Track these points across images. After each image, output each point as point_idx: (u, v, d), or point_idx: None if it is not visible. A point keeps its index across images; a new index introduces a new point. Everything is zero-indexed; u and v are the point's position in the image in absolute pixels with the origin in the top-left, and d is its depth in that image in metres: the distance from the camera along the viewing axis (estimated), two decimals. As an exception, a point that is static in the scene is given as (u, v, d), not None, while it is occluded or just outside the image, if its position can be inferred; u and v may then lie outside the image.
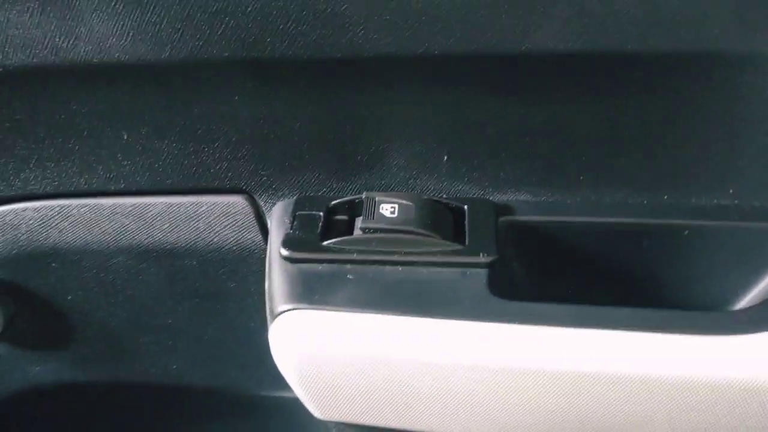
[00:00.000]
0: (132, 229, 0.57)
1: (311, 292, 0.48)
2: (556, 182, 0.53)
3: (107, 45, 0.46)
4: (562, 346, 0.45)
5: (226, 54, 0.46)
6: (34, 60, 0.47)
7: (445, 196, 0.54)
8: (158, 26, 0.46)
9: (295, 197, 0.54)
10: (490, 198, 0.54)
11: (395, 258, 0.49)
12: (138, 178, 0.55)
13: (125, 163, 0.54)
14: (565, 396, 0.45)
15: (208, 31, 0.46)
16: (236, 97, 0.50)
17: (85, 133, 0.53)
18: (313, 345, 0.46)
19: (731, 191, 0.51)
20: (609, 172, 0.52)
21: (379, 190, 0.54)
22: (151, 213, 0.56)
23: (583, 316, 0.45)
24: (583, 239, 0.53)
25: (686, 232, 0.51)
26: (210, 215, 0.56)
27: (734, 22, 0.42)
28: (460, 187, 0.54)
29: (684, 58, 0.44)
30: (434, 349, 0.46)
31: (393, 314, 0.47)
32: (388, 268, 0.49)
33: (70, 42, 0.47)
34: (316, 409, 0.50)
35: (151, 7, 0.45)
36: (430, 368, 0.46)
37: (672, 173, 0.51)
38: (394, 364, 0.46)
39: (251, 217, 0.56)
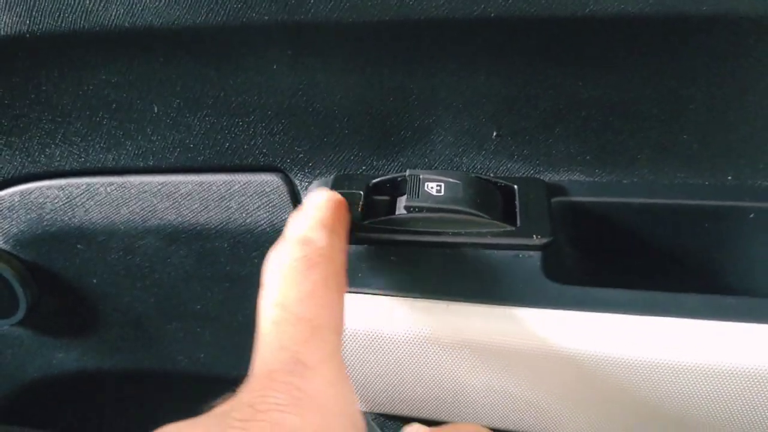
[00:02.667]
0: (161, 208, 0.54)
1: (353, 273, 0.45)
2: (612, 161, 0.49)
3: (140, 7, 0.43)
4: (624, 333, 0.41)
5: (266, 17, 0.44)
6: (63, 25, 0.45)
7: (493, 175, 0.51)
8: (194, -13, 0.43)
9: (333, 175, 0.51)
10: (542, 177, 0.50)
11: (442, 239, 0.46)
12: (168, 155, 0.52)
13: (155, 138, 0.52)
14: (624, 384, 0.42)
15: None
16: (274, 66, 0.47)
17: (114, 105, 0.50)
18: (354, 330, 0.43)
19: (801, 172, 0.48)
20: (669, 150, 0.48)
21: (422, 169, 0.51)
22: (182, 192, 0.53)
23: (647, 303, 0.42)
24: (640, 222, 0.49)
25: (751, 215, 0.48)
26: (243, 194, 0.53)
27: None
28: (510, 165, 0.50)
29: (763, 23, 0.41)
30: (487, 336, 0.43)
31: (439, 299, 0.44)
32: (434, 250, 0.46)
33: (101, 4, 0.44)
34: (355, 390, 0.47)
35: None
36: (480, 354, 0.43)
37: (737, 152, 0.48)
38: (440, 350, 0.43)
39: (286, 196, 0.53)
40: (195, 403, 0.73)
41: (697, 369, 0.41)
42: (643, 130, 0.48)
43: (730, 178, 0.49)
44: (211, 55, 0.47)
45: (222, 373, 0.63)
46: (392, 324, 0.43)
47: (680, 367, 0.41)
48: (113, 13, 0.44)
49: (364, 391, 0.46)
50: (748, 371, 0.40)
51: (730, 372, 0.41)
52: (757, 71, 0.44)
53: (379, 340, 0.43)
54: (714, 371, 0.41)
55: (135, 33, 0.45)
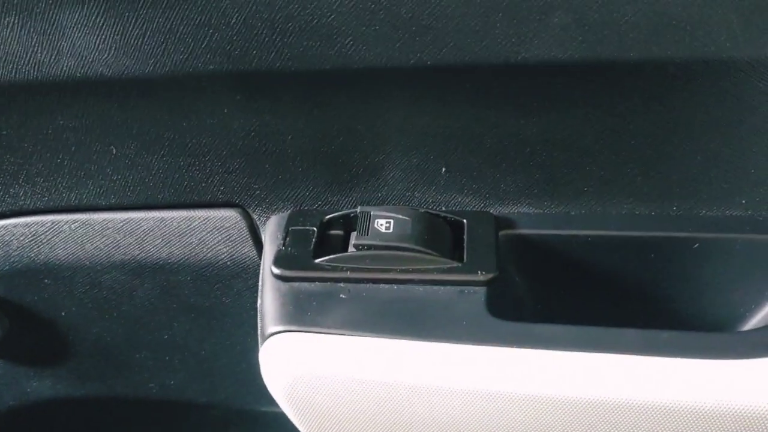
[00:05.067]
0: (124, 244, 0.55)
1: (302, 312, 0.46)
2: (559, 193, 0.50)
3: (90, 59, 0.45)
4: (563, 370, 0.43)
5: (212, 67, 0.45)
6: (17, 76, 0.46)
7: (444, 208, 0.52)
8: (141, 40, 0.44)
9: (288, 211, 0.53)
10: (491, 210, 0.52)
11: (390, 276, 0.47)
12: (129, 193, 0.53)
13: (115, 177, 0.53)
14: (566, 422, 0.43)
15: (192, 44, 0.44)
16: (225, 110, 0.48)
17: (74, 148, 0.51)
18: (303, 368, 0.45)
19: (743, 202, 0.49)
20: (614, 182, 0.50)
21: (375, 204, 0.52)
22: (143, 228, 0.55)
23: (585, 339, 0.43)
24: (587, 252, 0.50)
25: (696, 245, 0.49)
26: (203, 230, 0.54)
27: (741, 27, 0.40)
28: (460, 199, 0.52)
29: (688, 66, 0.42)
30: (430, 373, 0.44)
31: (387, 337, 0.45)
32: (382, 286, 0.47)
33: (53, 57, 0.45)
34: (304, 429, 0.48)
35: (133, 21, 0.43)
36: (426, 393, 0.44)
37: (680, 184, 0.49)
38: (387, 388, 0.44)
39: (245, 231, 0.54)
40: (166, 428, 0.74)
41: (635, 405, 0.42)
42: (587, 164, 0.49)
43: (675, 208, 0.50)
44: (162, 101, 0.48)
45: (192, 399, 0.64)
46: (337, 364, 0.44)
47: (619, 403, 0.42)
48: (64, 65, 0.45)
49: (311, 427, 0.47)
50: (682, 406, 0.41)
51: (666, 408, 0.42)
52: (689, 109, 0.45)
53: (323, 379, 0.44)
54: (651, 407, 0.42)
55: (88, 83, 0.46)
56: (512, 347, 0.43)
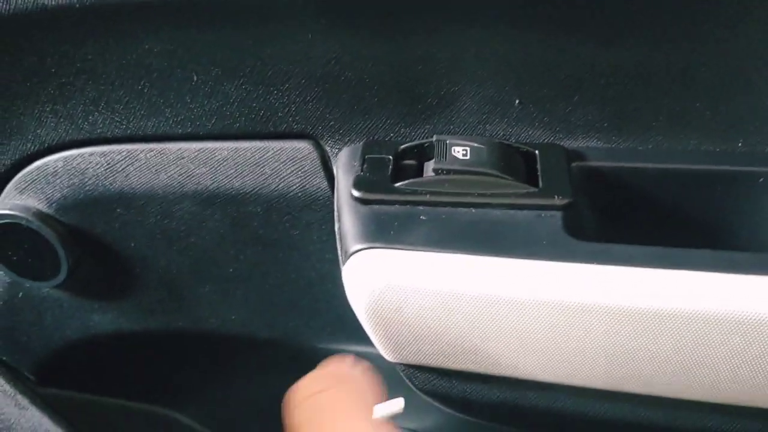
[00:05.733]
0: (197, 174, 0.57)
1: (385, 231, 0.48)
2: (628, 128, 0.52)
3: None
4: (640, 285, 0.44)
5: None
6: None
7: (515, 141, 0.53)
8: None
9: (362, 142, 0.54)
10: (561, 144, 0.53)
11: (468, 200, 0.49)
12: (205, 122, 0.55)
13: (193, 106, 0.54)
14: (639, 333, 0.45)
15: None
16: (309, 36, 0.50)
17: (155, 74, 0.53)
18: (387, 283, 0.46)
19: (809, 138, 0.51)
20: (683, 117, 0.51)
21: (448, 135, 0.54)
22: (217, 158, 0.56)
23: (660, 257, 0.45)
24: (655, 186, 0.52)
25: (761, 180, 0.50)
26: (276, 160, 0.56)
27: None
28: (531, 132, 0.53)
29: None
30: (511, 288, 0.45)
31: (468, 253, 0.46)
32: (461, 209, 0.49)
33: None
34: (386, 349, 0.50)
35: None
36: (506, 307, 0.45)
37: (747, 119, 0.50)
38: (469, 302, 0.46)
39: (317, 162, 0.55)
40: (225, 363, 0.76)
41: (707, 317, 0.43)
42: (657, 98, 0.50)
43: (740, 144, 0.51)
44: (249, 25, 0.50)
45: (252, 333, 0.66)
46: (420, 278, 0.46)
47: (692, 315, 0.44)
48: None
49: (392, 343, 0.49)
50: (754, 319, 0.43)
51: (737, 319, 0.43)
52: (765, 41, 0.46)
53: (407, 293, 0.46)
54: (722, 319, 0.43)
55: (177, 3, 0.47)
56: (592, 263, 0.45)
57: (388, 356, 0.50)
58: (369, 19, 0.49)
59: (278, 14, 0.49)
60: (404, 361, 0.51)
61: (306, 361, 0.56)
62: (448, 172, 0.49)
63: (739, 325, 0.43)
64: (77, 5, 0.48)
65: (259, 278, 0.62)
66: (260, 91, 0.53)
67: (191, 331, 0.66)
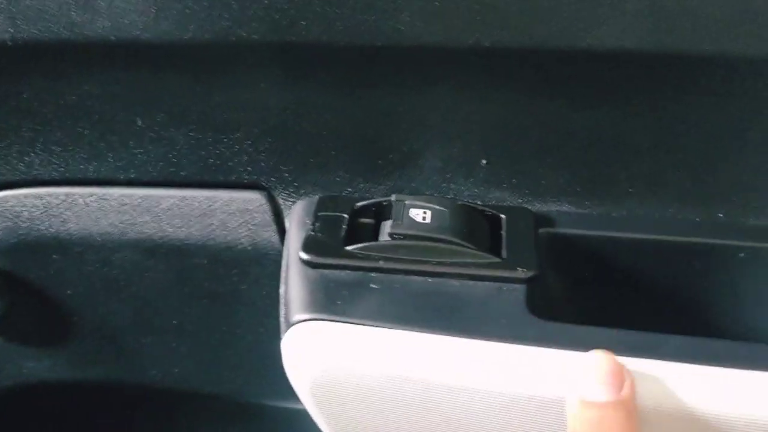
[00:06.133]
0: (141, 222, 0.53)
1: (331, 301, 0.44)
2: (602, 193, 0.49)
3: (127, 21, 0.43)
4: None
5: (256, 36, 0.43)
6: (48, 34, 0.44)
7: (480, 202, 0.50)
8: (184, 3, 0.42)
9: (317, 196, 0.50)
10: (530, 207, 0.50)
11: (425, 268, 0.45)
12: (150, 168, 0.51)
13: (137, 151, 0.51)
14: None
15: (238, 10, 0.42)
16: (263, 84, 0.46)
17: (97, 116, 0.49)
18: (330, 359, 0.42)
19: (794, 213, 0.48)
20: (661, 184, 0.48)
21: (409, 194, 0.50)
22: (163, 206, 0.52)
23: (628, 344, 0.41)
24: (628, 256, 0.49)
25: (741, 254, 0.47)
26: (225, 211, 0.52)
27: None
28: (498, 194, 0.50)
29: (759, 64, 0.40)
30: (465, 372, 0.41)
31: (420, 331, 0.43)
32: (417, 278, 0.45)
33: (88, 17, 0.43)
34: (327, 426, 0.46)
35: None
36: (460, 392, 0.42)
37: (730, 190, 0.47)
38: (418, 385, 0.42)
39: (269, 215, 0.52)
40: (167, 418, 0.72)
41: (675, 413, 0.40)
42: (634, 163, 0.47)
43: (721, 215, 0.48)
44: (198, 71, 0.46)
45: (196, 388, 0.62)
46: (366, 357, 0.42)
47: (658, 411, 0.40)
48: (99, 26, 0.43)
49: (334, 426, 0.45)
50: (730, 417, 0.40)
51: (709, 417, 0.40)
52: (751, 112, 0.43)
53: (353, 373, 0.42)
54: (692, 416, 0.40)
55: (121, 47, 0.44)
56: (554, 348, 0.41)
57: (329, 433, 0.46)
58: (329, 70, 0.45)
59: (230, 62, 0.45)
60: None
61: (252, 419, 0.52)
62: (405, 237, 0.45)
63: (715, 424, 0.40)
64: (10, 42, 0.45)
65: (205, 332, 0.58)
66: (209, 139, 0.50)
67: (131, 383, 0.62)
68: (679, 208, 0.49)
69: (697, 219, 0.49)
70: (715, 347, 0.41)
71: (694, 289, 0.49)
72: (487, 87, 0.45)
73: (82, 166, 0.51)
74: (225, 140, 0.49)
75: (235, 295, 0.56)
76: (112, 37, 0.43)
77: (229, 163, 0.50)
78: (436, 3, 0.40)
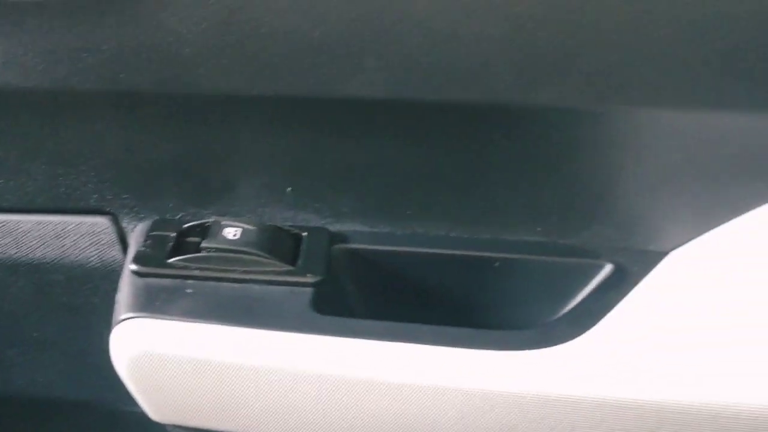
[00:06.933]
0: (2, 243, 0.61)
1: (151, 302, 0.53)
2: (387, 215, 0.59)
3: None
4: (368, 356, 0.50)
5: (87, 86, 0.52)
6: None
7: (290, 224, 0.60)
8: (25, 57, 0.51)
9: (152, 220, 0.60)
10: (331, 227, 0.60)
11: (233, 275, 0.55)
12: (9, 196, 0.60)
13: (-1, 182, 0.59)
14: (370, 403, 0.51)
15: (69, 65, 0.51)
16: (98, 126, 0.55)
17: None
18: (145, 350, 0.51)
19: (539, 229, 0.58)
20: (432, 207, 0.58)
21: (231, 216, 0.60)
22: (21, 229, 0.61)
23: (388, 331, 0.51)
24: (409, 267, 0.59)
25: (496, 264, 0.58)
26: (76, 234, 0.61)
27: (514, 77, 0.49)
28: (305, 216, 0.60)
29: (479, 109, 0.52)
30: (257, 357, 0.51)
31: (223, 324, 0.52)
32: (225, 284, 0.55)
33: None
34: (150, 410, 0.54)
35: (17, 40, 0.50)
36: (253, 373, 0.51)
37: (487, 211, 0.58)
38: (220, 368, 0.51)
39: (114, 237, 0.61)
40: (33, 425, 0.78)
41: (431, 389, 0.50)
42: (409, 190, 0.58)
43: (482, 233, 0.59)
44: (44, 113, 0.55)
45: (60, 396, 0.69)
46: (176, 345, 0.51)
47: (418, 387, 0.50)
48: None
49: (152, 405, 0.53)
50: (469, 391, 0.49)
51: (451, 391, 0.50)
52: (487, 147, 0.54)
53: (162, 359, 0.51)
54: (438, 390, 0.50)
55: None
56: (325, 336, 0.51)
57: (153, 416, 0.55)
58: (153, 114, 0.55)
59: (71, 104, 0.55)
60: (168, 422, 0.55)
61: (116, 424, 0.59)
62: (216, 250, 0.55)
63: (455, 397, 0.50)
64: None
65: (65, 342, 0.66)
66: (59, 171, 0.58)
67: (-2, 392, 0.69)
68: (450, 227, 0.59)
69: (464, 236, 0.59)
70: (455, 333, 0.51)
71: (459, 291, 0.59)
72: (283, 128, 0.55)
73: None
74: (73, 172, 0.58)
75: (89, 308, 0.64)
76: None
77: (78, 192, 0.59)
78: (224, 61, 0.50)
